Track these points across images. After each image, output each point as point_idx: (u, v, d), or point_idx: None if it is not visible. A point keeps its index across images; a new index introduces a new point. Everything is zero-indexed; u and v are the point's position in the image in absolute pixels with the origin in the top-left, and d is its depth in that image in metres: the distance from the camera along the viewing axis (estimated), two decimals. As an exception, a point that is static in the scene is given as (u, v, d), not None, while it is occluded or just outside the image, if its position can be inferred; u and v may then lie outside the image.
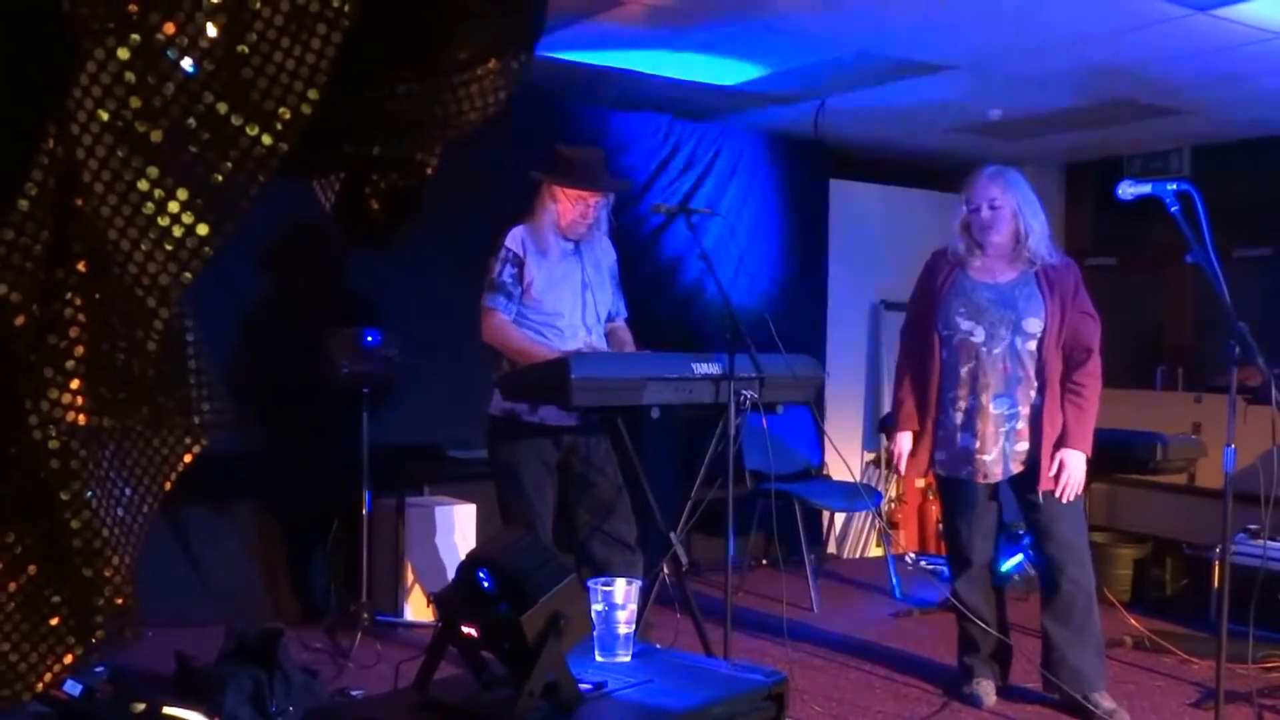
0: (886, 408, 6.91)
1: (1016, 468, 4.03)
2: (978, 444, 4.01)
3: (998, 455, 4.01)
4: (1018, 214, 4.00)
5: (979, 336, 4.00)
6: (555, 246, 4.21)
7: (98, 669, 3.45)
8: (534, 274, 4.17)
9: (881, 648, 4.97)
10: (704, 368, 3.82)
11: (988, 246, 4.04)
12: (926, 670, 4.60)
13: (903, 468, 4.25)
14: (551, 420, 4.12)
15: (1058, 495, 3.96)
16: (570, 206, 4.17)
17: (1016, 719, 4.05)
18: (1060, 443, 3.97)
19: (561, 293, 4.22)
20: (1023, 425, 4.01)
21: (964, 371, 4.02)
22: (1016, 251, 4.03)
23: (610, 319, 4.41)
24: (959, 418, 4.04)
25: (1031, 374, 3.99)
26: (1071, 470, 3.95)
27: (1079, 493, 4.00)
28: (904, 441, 4.20)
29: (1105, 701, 4.02)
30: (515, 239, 4.20)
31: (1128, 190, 3.77)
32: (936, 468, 4.16)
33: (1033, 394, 4.00)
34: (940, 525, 4.30)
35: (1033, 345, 3.98)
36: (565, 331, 4.20)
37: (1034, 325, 3.97)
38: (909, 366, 4.23)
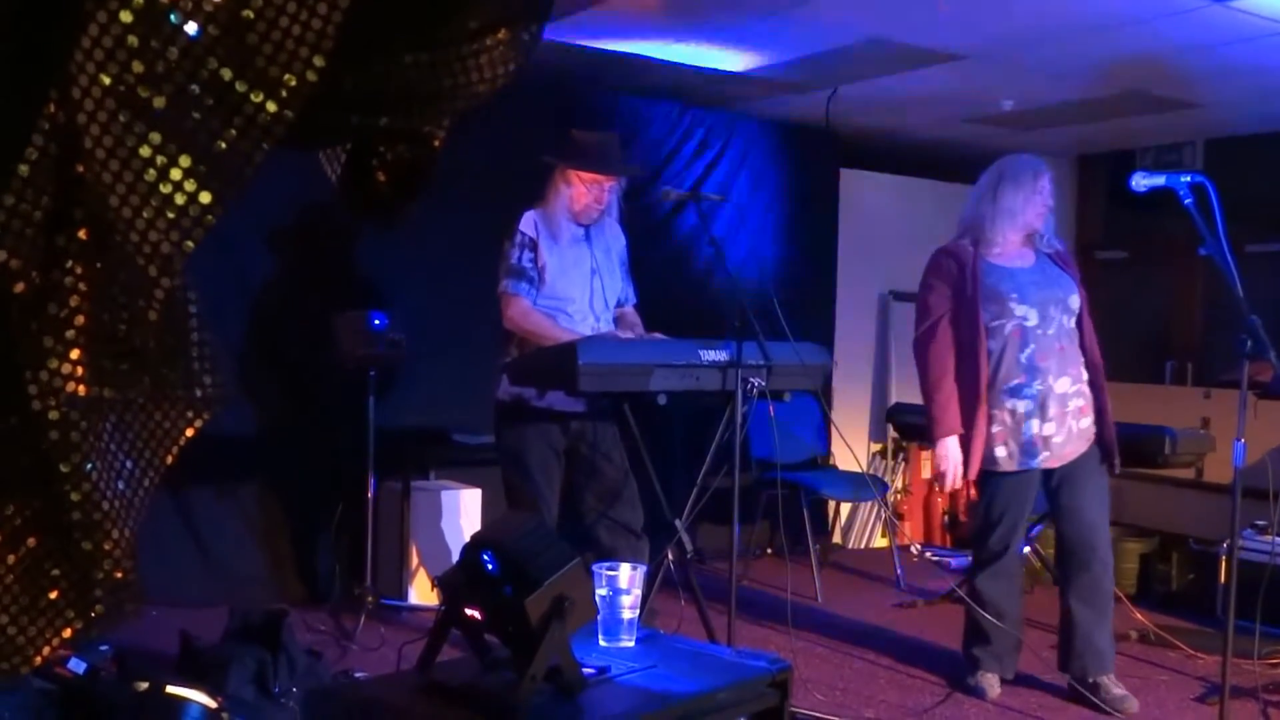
0: (894, 398, 6.91)
1: (1083, 446, 4.02)
2: (1050, 428, 3.96)
3: (1066, 436, 3.98)
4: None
5: (1033, 320, 3.96)
6: (567, 231, 4.20)
7: (102, 647, 3.45)
8: (546, 258, 4.15)
9: (885, 638, 4.96)
10: (711, 355, 3.81)
11: (1019, 230, 4.04)
12: (930, 661, 4.59)
13: (960, 475, 4.04)
14: (559, 405, 4.10)
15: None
16: (585, 191, 4.15)
17: (1021, 710, 4.03)
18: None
19: (572, 278, 4.21)
20: (1084, 402, 4.01)
21: (1024, 358, 3.96)
22: (1027, 237, 4.07)
23: (619, 305, 4.40)
24: (1029, 405, 3.96)
25: (1078, 350, 4.02)
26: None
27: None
28: (956, 449, 4.03)
29: (1115, 688, 4.05)
30: (529, 223, 4.18)
31: (1141, 182, 3.75)
32: (996, 465, 4.01)
33: (1083, 370, 4.02)
34: (975, 518, 4.19)
35: (1075, 322, 4.01)
36: (575, 316, 4.19)
37: (1075, 302, 4.01)
38: (946, 369, 4.05)
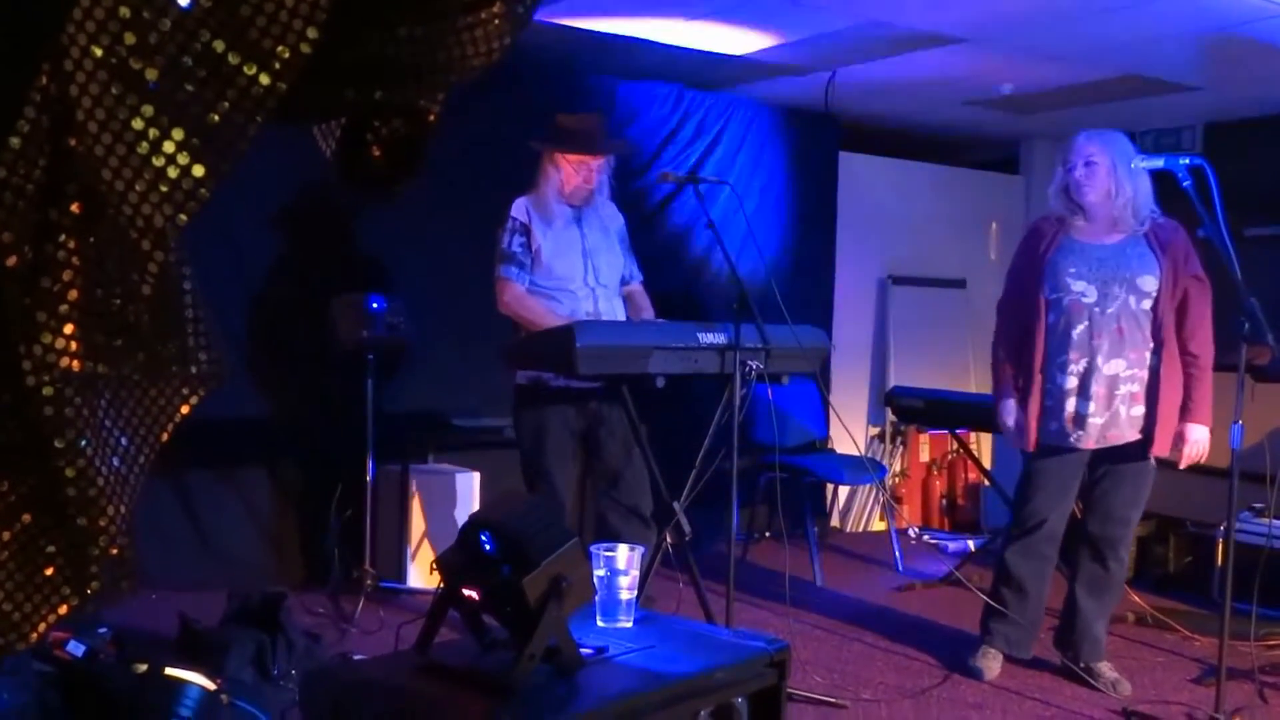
0: (893, 381, 6.91)
1: (1133, 434, 3.91)
2: (1091, 407, 3.87)
3: (1111, 419, 3.89)
4: (1112, 173, 3.89)
5: (1091, 296, 3.88)
6: (560, 214, 4.25)
7: (101, 630, 3.46)
8: (540, 241, 4.20)
9: (883, 620, 4.97)
10: (710, 337, 3.81)
11: (1086, 208, 3.95)
12: (928, 643, 4.60)
13: (1019, 435, 4.03)
14: (578, 385, 4.10)
15: (1180, 467, 3.94)
16: (573, 172, 4.21)
17: (1019, 691, 4.04)
18: (1182, 416, 3.90)
19: (570, 260, 4.24)
20: (1138, 389, 3.89)
21: (1076, 334, 3.88)
22: (1118, 213, 3.94)
23: (625, 282, 4.41)
24: (1072, 382, 3.89)
25: (1147, 334, 3.88)
26: (1195, 444, 3.90)
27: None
28: (1009, 412, 4.04)
29: (1109, 672, 4.07)
30: (520, 209, 4.25)
31: (1140, 164, 3.76)
32: (1044, 438, 3.98)
33: (1148, 355, 3.89)
34: (1019, 493, 4.13)
35: (1148, 305, 3.88)
36: (579, 295, 4.23)
37: (1149, 283, 3.86)
38: (1011, 336, 4.08)
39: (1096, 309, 3.87)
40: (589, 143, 4.22)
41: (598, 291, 4.27)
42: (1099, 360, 3.86)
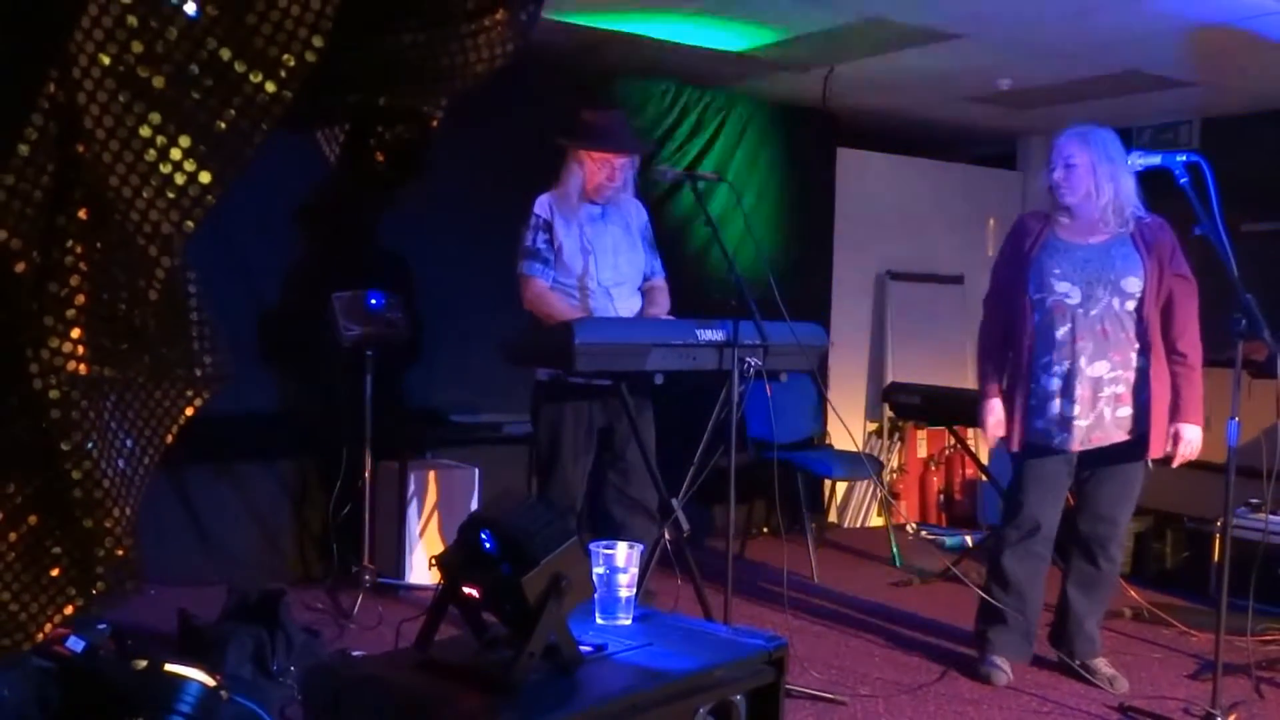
0: (890, 378, 6.92)
1: (1120, 435, 3.89)
2: (1076, 409, 3.84)
3: (1095, 421, 3.86)
4: (1091, 173, 3.85)
5: (1075, 298, 3.85)
6: (583, 211, 4.26)
7: (100, 626, 3.46)
8: (563, 239, 4.19)
9: (881, 616, 4.99)
10: (708, 334, 3.82)
11: (1070, 208, 3.92)
12: (926, 639, 4.62)
13: (1000, 432, 4.03)
14: (600, 380, 4.10)
15: (1174, 465, 3.92)
16: (596, 170, 4.19)
17: (1017, 686, 4.05)
18: (1173, 416, 3.88)
19: (579, 257, 4.24)
20: (1124, 390, 3.86)
21: (1059, 335, 3.86)
22: (1103, 214, 3.90)
23: (646, 278, 4.41)
24: (1055, 384, 3.87)
25: (1132, 335, 3.85)
26: (1189, 443, 3.87)
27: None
28: (998, 409, 4.02)
29: (1105, 668, 4.08)
30: (543, 205, 4.25)
31: (1137, 161, 3.76)
32: (1030, 437, 3.96)
33: (1134, 356, 3.86)
34: (1010, 495, 4.11)
35: (1132, 305, 3.84)
36: (596, 293, 4.24)
37: (1133, 285, 3.83)
38: (995, 333, 4.08)
39: (1080, 310, 3.85)
40: (612, 140, 4.20)
41: (596, 291, 4.27)
42: (1081, 363, 3.84)
